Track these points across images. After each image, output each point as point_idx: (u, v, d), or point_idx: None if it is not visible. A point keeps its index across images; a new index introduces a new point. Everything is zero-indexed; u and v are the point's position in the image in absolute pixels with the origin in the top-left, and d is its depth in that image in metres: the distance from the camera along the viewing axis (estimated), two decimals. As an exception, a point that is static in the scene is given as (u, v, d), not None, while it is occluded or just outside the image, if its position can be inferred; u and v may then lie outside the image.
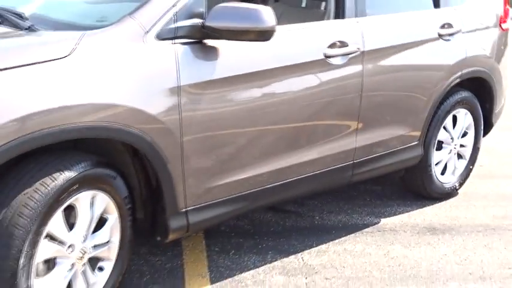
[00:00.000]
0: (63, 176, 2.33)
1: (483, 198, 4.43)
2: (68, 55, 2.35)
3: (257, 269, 3.24)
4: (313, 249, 3.50)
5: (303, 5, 3.79)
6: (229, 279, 3.14)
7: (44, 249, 2.34)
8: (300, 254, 3.44)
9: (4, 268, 2.19)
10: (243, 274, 3.19)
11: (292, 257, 3.39)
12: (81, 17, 2.77)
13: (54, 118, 2.26)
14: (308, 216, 3.93)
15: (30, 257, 2.27)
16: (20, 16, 2.70)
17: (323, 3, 3.55)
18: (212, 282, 3.10)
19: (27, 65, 2.24)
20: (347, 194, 4.26)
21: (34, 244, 2.27)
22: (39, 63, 2.27)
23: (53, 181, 2.30)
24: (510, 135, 6.01)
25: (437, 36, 3.90)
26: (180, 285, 3.05)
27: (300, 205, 4.03)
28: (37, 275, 2.35)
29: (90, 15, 2.83)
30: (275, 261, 3.34)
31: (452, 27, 4.00)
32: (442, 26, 3.94)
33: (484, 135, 4.58)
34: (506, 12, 4.65)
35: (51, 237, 2.37)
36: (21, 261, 2.23)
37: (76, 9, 2.97)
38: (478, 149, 4.50)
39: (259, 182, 3.06)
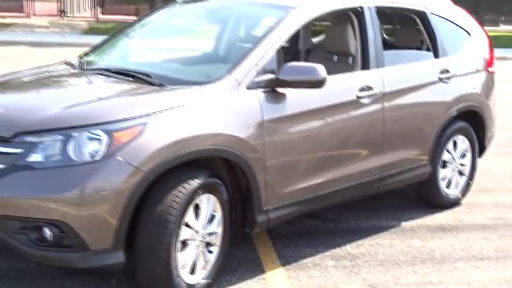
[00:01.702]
0: (195, 183, 3.47)
1: (481, 206, 5.56)
2: (195, 101, 3.54)
3: (313, 257, 4.35)
4: (352, 243, 4.61)
5: (335, 59, 4.96)
6: (295, 263, 4.24)
7: (183, 232, 3.47)
8: (343, 246, 4.55)
9: (164, 242, 3.32)
10: (303, 260, 4.29)
11: (338, 249, 4.50)
12: (195, 75, 3.96)
13: (190, 143, 3.43)
14: (345, 221, 5.04)
15: (177, 236, 3.40)
16: (148, 76, 3.89)
17: (351, 58, 4.74)
18: (283, 265, 4.20)
19: (172, 108, 3.43)
20: (374, 206, 5.36)
21: (179, 227, 3.40)
22: (179, 107, 3.46)
23: (189, 185, 3.44)
24: (502, 159, 7.14)
25: (437, 79, 5.08)
26: (260, 268, 4.15)
27: (337, 214, 5.13)
28: (178, 250, 3.47)
29: (198, 74, 4.03)
30: (326, 251, 4.45)
31: (449, 72, 5.18)
32: (441, 72, 5.12)
33: (479, 157, 5.72)
34: (491, 58, 5.85)
35: (186, 224, 3.50)
36: (173, 238, 3.36)
37: (184, 70, 4.18)
38: (475, 167, 5.63)
39: (315, 189, 4.20)
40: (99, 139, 3.25)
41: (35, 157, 3.24)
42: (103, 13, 28.77)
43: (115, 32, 5.13)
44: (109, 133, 3.25)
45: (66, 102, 3.50)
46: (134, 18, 25.49)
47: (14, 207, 3.21)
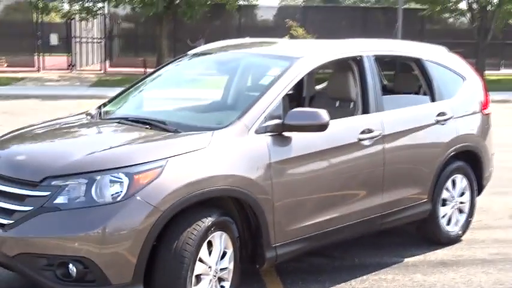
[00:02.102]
0: (208, 221, 3.75)
1: (481, 242, 5.78)
2: (208, 146, 3.84)
3: (320, 292, 4.58)
4: (358, 278, 4.83)
5: (337, 104, 5.28)
6: (302, 298, 4.47)
7: (197, 267, 3.72)
8: (348, 282, 4.77)
9: (180, 276, 3.58)
10: (311, 295, 4.52)
11: (343, 284, 4.73)
12: (207, 122, 4.27)
13: (204, 184, 3.71)
14: (350, 258, 5.27)
15: (192, 270, 3.66)
16: (163, 123, 4.21)
17: (352, 103, 5.05)
18: (291, 300, 4.43)
19: (187, 152, 3.73)
20: (377, 244, 5.59)
21: (194, 262, 3.66)
22: (193, 151, 3.77)
23: (203, 223, 3.72)
24: (502, 198, 7.37)
25: (435, 122, 5.38)
26: (269, 303, 4.38)
27: (343, 252, 5.36)
28: (193, 285, 3.71)
29: (209, 120, 4.34)
30: (332, 287, 4.67)
31: (445, 115, 5.48)
32: (438, 115, 5.42)
33: (478, 195, 5.97)
34: (486, 100, 6.15)
35: (200, 260, 3.75)
36: (189, 273, 3.61)
37: (197, 117, 4.51)
38: (474, 205, 5.88)
39: (321, 227, 4.45)
40: (120, 181, 3.54)
41: (61, 199, 3.54)
42: (111, 66, 29.52)
43: (130, 85, 5.47)
44: (130, 175, 3.54)
45: (89, 148, 3.82)
46: (142, 70, 26.18)
47: (42, 246, 3.49)
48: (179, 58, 5.61)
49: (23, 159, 3.90)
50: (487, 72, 27.49)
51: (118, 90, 5.44)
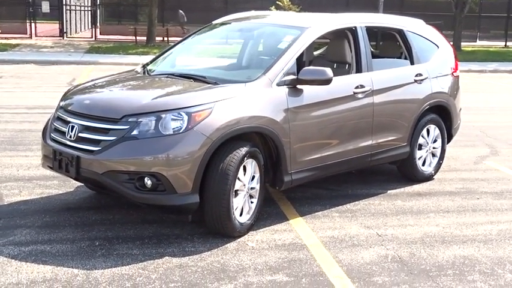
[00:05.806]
0: (244, 150, 4.98)
1: (450, 180, 7.12)
2: (241, 94, 5.07)
3: (323, 211, 5.86)
4: (351, 203, 6.13)
5: (334, 66, 6.52)
6: (309, 215, 5.75)
7: (237, 184, 4.96)
8: (344, 205, 6.07)
9: (225, 189, 4.81)
10: (316, 213, 5.80)
11: (340, 206, 6.02)
12: (238, 77, 5.50)
13: (242, 122, 4.94)
14: (345, 190, 6.56)
15: (233, 185, 4.90)
16: (204, 77, 5.43)
17: (347, 65, 6.30)
18: (301, 216, 5.71)
19: (229, 98, 4.95)
20: (366, 180, 6.90)
21: (234, 179, 4.90)
22: (233, 97, 4.99)
23: (240, 151, 4.94)
24: (469, 149, 8.73)
25: (413, 81, 6.65)
26: (284, 217, 5.64)
27: (338, 186, 6.66)
28: (233, 197, 4.96)
29: (241, 76, 5.57)
30: (331, 208, 5.96)
31: (422, 75, 6.75)
32: (416, 75, 6.69)
33: (448, 142, 7.28)
34: (456, 65, 7.43)
35: (238, 178, 4.99)
36: (231, 187, 4.85)
37: (229, 73, 5.74)
38: (444, 150, 7.19)
39: (325, 160, 5.72)
40: (181, 119, 4.75)
41: (136, 131, 4.74)
42: (101, 33, 30.39)
43: (165, 49, 6.64)
44: (188, 114, 4.76)
45: (153, 94, 5.05)
46: (131, 37, 27.06)
47: (124, 165, 4.70)
48: (205, 27, 6.80)
49: (105, 103, 5.08)
50: (464, 43, 28.85)
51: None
